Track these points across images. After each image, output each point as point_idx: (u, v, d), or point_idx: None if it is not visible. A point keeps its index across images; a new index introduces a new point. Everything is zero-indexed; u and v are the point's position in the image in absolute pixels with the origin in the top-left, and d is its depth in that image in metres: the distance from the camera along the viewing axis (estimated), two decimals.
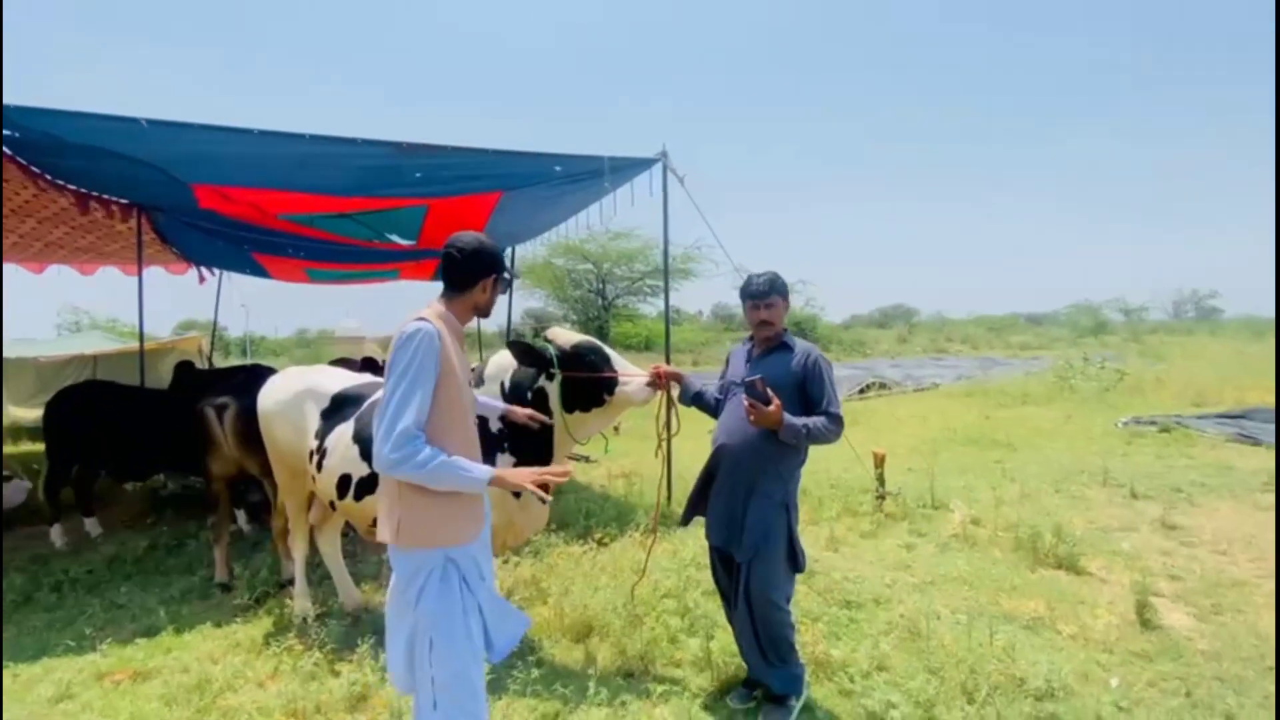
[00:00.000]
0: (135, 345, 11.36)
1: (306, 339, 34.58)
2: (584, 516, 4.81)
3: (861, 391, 13.72)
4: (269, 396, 3.17)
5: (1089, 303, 40.04)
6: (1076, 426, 8.87)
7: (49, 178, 4.67)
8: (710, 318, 42.95)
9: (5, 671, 2.99)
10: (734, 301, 40.29)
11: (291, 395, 3.08)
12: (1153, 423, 8.59)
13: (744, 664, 2.62)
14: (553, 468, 1.91)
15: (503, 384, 2.79)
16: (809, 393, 2.42)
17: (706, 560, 3.73)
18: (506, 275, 2.01)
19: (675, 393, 2.74)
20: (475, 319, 2.02)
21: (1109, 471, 5.93)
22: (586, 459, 7.23)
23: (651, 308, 27.92)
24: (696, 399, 2.75)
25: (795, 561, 2.45)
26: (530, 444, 2.74)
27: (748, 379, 2.32)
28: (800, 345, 2.54)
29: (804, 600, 3.35)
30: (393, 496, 1.80)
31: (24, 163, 4.27)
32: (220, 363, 11.62)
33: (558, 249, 24.52)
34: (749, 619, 2.44)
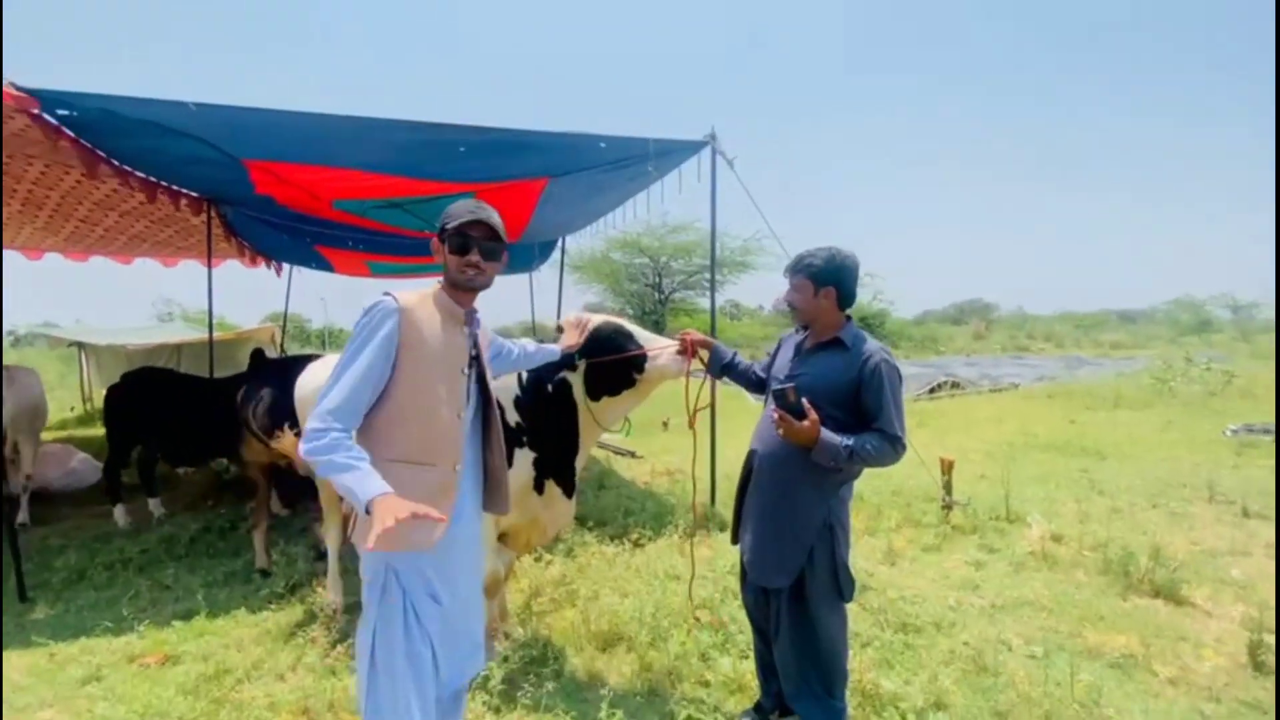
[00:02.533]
0: (217, 334, 12.07)
1: None
2: (623, 514, 4.63)
3: (931, 391, 12.94)
4: (307, 383, 3.13)
5: (1191, 298, 36.74)
6: (1177, 434, 8.00)
7: (115, 162, 4.85)
8: (771, 311, 42.03)
9: (44, 650, 3.06)
10: None
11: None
12: (1267, 430, 7.64)
13: (756, 699, 2.35)
14: (428, 509, 1.37)
15: (520, 376, 2.61)
16: (864, 403, 2.00)
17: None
18: (447, 224, 1.71)
19: (706, 357, 2.49)
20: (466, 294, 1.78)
21: (1215, 485, 5.26)
22: (632, 454, 7.05)
23: (707, 300, 27.54)
24: (727, 369, 2.48)
25: (841, 591, 2.09)
26: (553, 437, 2.56)
27: (779, 386, 1.97)
28: (862, 346, 2.05)
29: (854, 621, 3.02)
30: None
31: (88, 145, 4.43)
32: (294, 352, 12.14)
33: (615, 243, 24.48)
34: (791, 649, 2.13)
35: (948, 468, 4.69)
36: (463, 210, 1.73)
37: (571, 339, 2.44)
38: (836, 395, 2.01)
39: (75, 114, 3.89)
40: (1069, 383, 13.72)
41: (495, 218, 1.74)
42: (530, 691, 2.39)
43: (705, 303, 27.94)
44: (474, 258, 1.71)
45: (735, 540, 2.35)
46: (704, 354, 2.50)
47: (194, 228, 7.48)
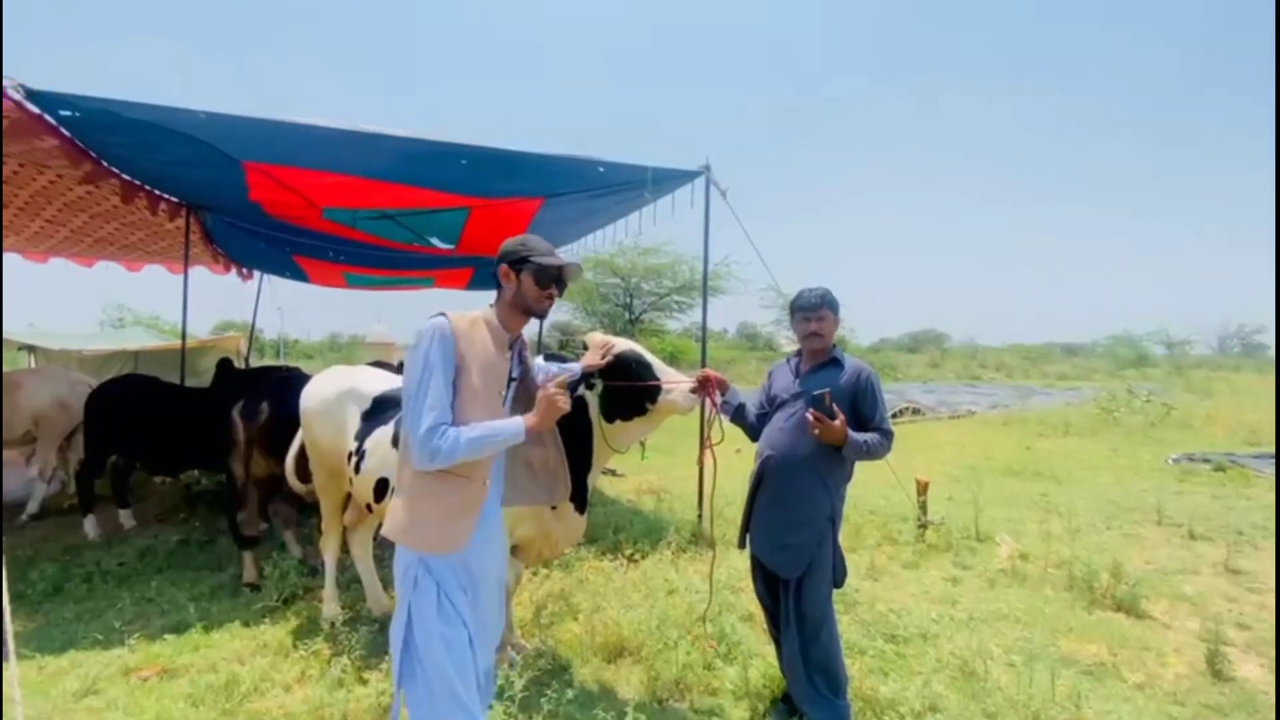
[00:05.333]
0: (176, 342, 11.65)
1: (338, 343, 35.23)
2: (613, 531, 4.71)
3: (894, 416, 13.41)
4: (312, 395, 3.14)
5: (1129, 334, 38.88)
6: (1124, 461, 8.51)
7: (104, 163, 4.77)
8: (735, 335, 42.72)
9: (31, 663, 2.98)
10: (760, 320, 40.06)
11: (334, 395, 3.05)
12: (1206, 460, 8.18)
13: (785, 688, 2.51)
14: (547, 396, 1.78)
15: None
16: (860, 408, 2.39)
17: (741, 584, 3.62)
18: (537, 260, 1.85)
19: (718, 401, 2.64)
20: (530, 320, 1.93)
21: (1163, 510, 5.63)
22: (614, 473, 7.13)
23: (677, 323, 27.83)
24: (737, 413, 2.65)
25: (836, 576, 2.40)
26: (568, 450, 2.65)
27: (816, 392, 2.25)
28: (851, 361, 2.48)
29: (847, 631, 3.18)
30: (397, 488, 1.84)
31: (80, 145, 4.36)
32: (255, 363, 11.82)
33: (588, 263, 24.64)
34: (799, 641, 2.34)
35: (923, 488, 4.92)
36: (545, 249, 1.88)
37: (593, 358, 2.55)
38: (838, 402, 2.32)
39: (77, 115, 3.86)
40: (1022, 411, 14.37)
41: (574, 262, 1.93)
42: (553, 697, 2.45)
43: (673, 324, 28.30)
44: (552, 290, 1.89)
45: (742, 544, 2.58)
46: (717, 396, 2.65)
47: (166, 232, 7.29)
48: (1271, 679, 2.94)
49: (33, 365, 11.22)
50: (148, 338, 12.82)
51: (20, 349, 11.75)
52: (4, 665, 2.36)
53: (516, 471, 1.98)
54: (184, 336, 7.61)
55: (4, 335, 13.47)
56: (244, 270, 9.45)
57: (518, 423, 1.76)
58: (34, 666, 2.96)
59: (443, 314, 1.80)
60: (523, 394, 1.96)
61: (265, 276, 10.06)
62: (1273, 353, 37.88)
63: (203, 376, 8.02)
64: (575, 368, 2.50)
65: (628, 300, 26.90)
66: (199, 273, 9.58)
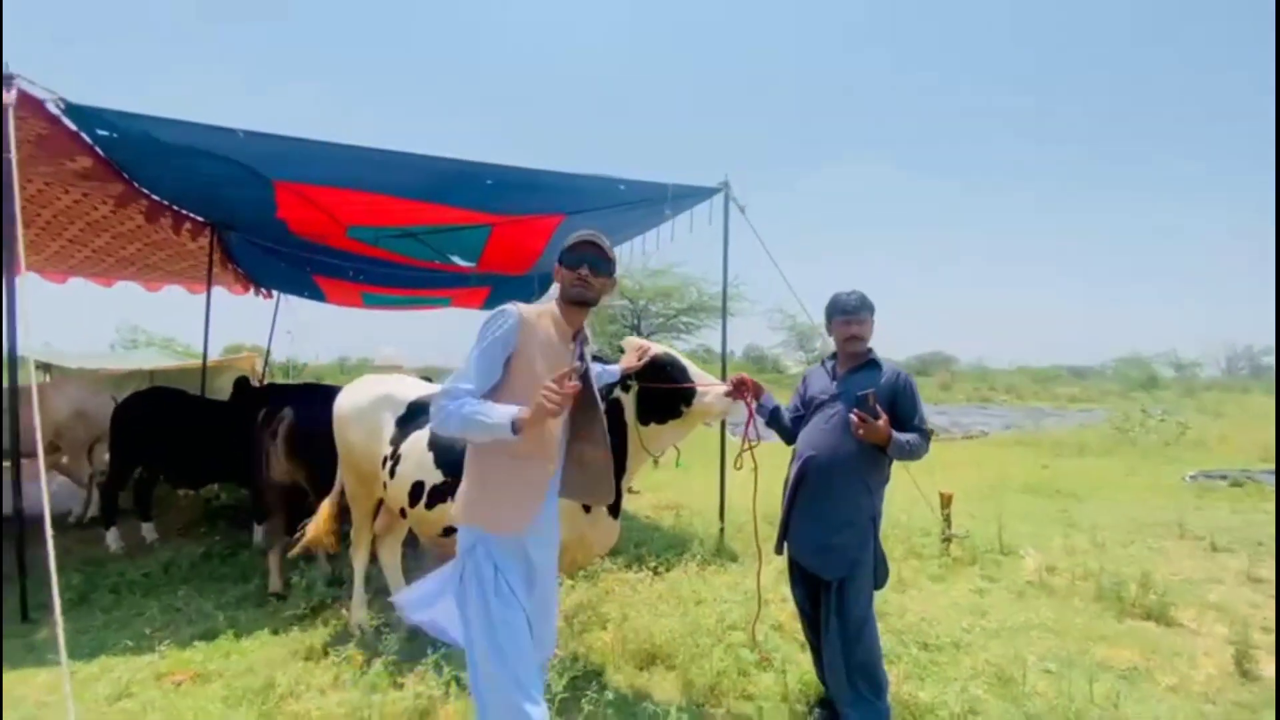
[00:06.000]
0: (190, 362, 11.74)
1: (347, 365, 35.33)
2: (634, 545, 4.70)
3: None
4: (346, 402, 3.19)
5: (1138, 356, 38.81)
6: (1142, 479, 8.45)
7: (135, 184, 4.90)
8: (743, 358, 42.70)
9: (63, 668, 2.98)
10: (767, 342, 40.07)
11: (369, 401, 3.09)
12: (1223, 477, 8.14)
13: (824, 693, 2.50)
14: (556, 382, 1.68)
15: None
16: (899, 409, 2.41)
17: (772, 593, 3.61)
18: (565, 245, 1.94)
19: (753, 405, 2.66)
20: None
21: (1184, 524, 5.60)
22: (630, 490, 7.12)
23: (685, 344, 27.95)
24: (773, 416, 2.68)
25: (878, 577, 2.43)
26: None
27: (860, 393, 2.30)
28: (888, 364, 2.51)
29: (880, 640, 3.17)
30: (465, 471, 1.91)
31: (113, 165, 4.48)
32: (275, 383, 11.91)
33: None
34: (840, 644, 2.34)
35: (947, 501, 4.91)
36: (576, 235, 1.94)
37: (630, 361, 2.59)
38: (879, 403, 2.35)
39: (115, 135, 3.98)
40: (1035, 432, 14.31)
41: (604, 240, 1.92)
42: (593, 697, 2.44)
43: (680, 345, 28.40)
44: (583, 271, 1.90)
45: (780, 549, 2.59)
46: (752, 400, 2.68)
47: (188, 252, 7.42)
48: None
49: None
50: (163, 358, 12.95)
51: (37, 367, 11.90)
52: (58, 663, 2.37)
53: (569, 469, 2.01)
54: (205, 353, 7.73)
55: (20, 354, 13.62)
56: (263, 290, 9.58)
57: (508, 415, 1.68)
58: (66, 672, 2.96)
59: (515, 303, 1.88)
60: (584, 390, 1.99)
61: (282, 298, 10.18)
62: None
63: (220, 396, 8.10)
64: (615, 369, 2.53)
65: (635, 322, 27.03)
66: (216, 294, 9.74)
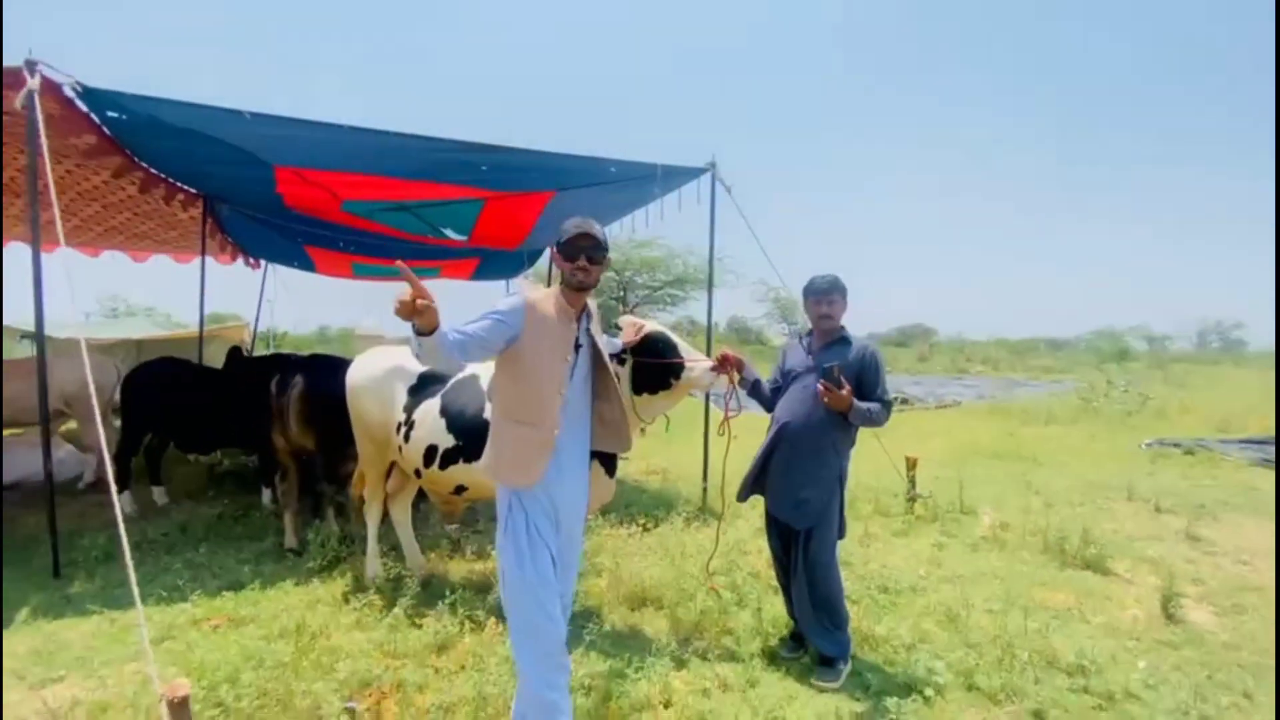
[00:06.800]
0: (179, 332, 11.79)
1: (327, 335, 35.18)
2: (624, 505, 5.04)
3: None
4: (359, 372, 3.44)
5: (1112, 329, 39.84)
6: (1101, 446, 8.95)
7: (135, 159, 5.01)
8: (727, 330, 43.02)
9: (103, 617, 3.26)
10: (751, 314, 40.46)
11: (382, 372, 3.34)
12: (1177, 445, 8.64)
13: (793, 627, 2.87)
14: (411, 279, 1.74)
15: None
16: (864, 381, 2.71)
17: (749, 546, 3.98)
18: (561, 239, 2.13)
19: (737, 378, 2.96)
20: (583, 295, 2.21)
21: (1134, 487, 6.04)
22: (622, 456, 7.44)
23: (669, 316, 28.21)
24: (754, 388, 2.96)
25: (841, 529, 2.77)
26: None
27: (827, 365, 2.60)
28: (858, 341, 2.81)
29: (844, 584, 3.54)
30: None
31: (119, 143, 4.60)
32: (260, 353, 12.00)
33: None
34: (806, 583, 2.69)
35: (912, 464, 5.30)
36: (571, 226, 2.16)
37: (627, 336, 2.87)
38: (846, 376, 2.65)
39: (123, 117, 4.11)
40: (1007, 401, 14.85)
41: (598, 229, 2.17)
42: (592, 629, 2.79)
43: (665, 317, 28.64)
44: (582, 262, 2.14)
45: (743, 497, 2.96)
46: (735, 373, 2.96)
47: (179, 222, 7.49)
48: (1222, 623, 3.34)
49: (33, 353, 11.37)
50: (150, 327, 12.97)
51: (23, 338, 11.89)
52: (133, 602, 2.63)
53: (595, 425, 2.30)
54: (201, 322, 7.84)
55: (5, 324, 13.58)
56: (251, 260, 9.65)
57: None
58: (105, 620, 3.24)
59: (525, 289, 2.13)
60: (590, 361, 2.26)
61: (271, 267, 10.25)
62: (1249, 348, 38.90)
63: (213, 363, 8.25)
64: (618, 342, 2.82)
65: (620, 294, 27.18)
66: (190, 264, 9.76)
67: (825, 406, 2.64)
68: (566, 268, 2.15)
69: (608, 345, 2.71)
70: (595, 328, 2.29)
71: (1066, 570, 4.00)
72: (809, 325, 2.97)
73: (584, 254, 2.14)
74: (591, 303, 2.28)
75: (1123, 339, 37.95)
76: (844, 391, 2.57)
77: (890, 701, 2.46)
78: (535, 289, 2.13)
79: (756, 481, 2.89)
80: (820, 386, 2.61)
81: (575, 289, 2.17)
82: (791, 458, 2.76)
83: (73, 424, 6.34)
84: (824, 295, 2.80)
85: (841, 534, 2.80)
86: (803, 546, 2.73)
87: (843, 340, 2.81)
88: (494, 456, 2.13)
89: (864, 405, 2.63)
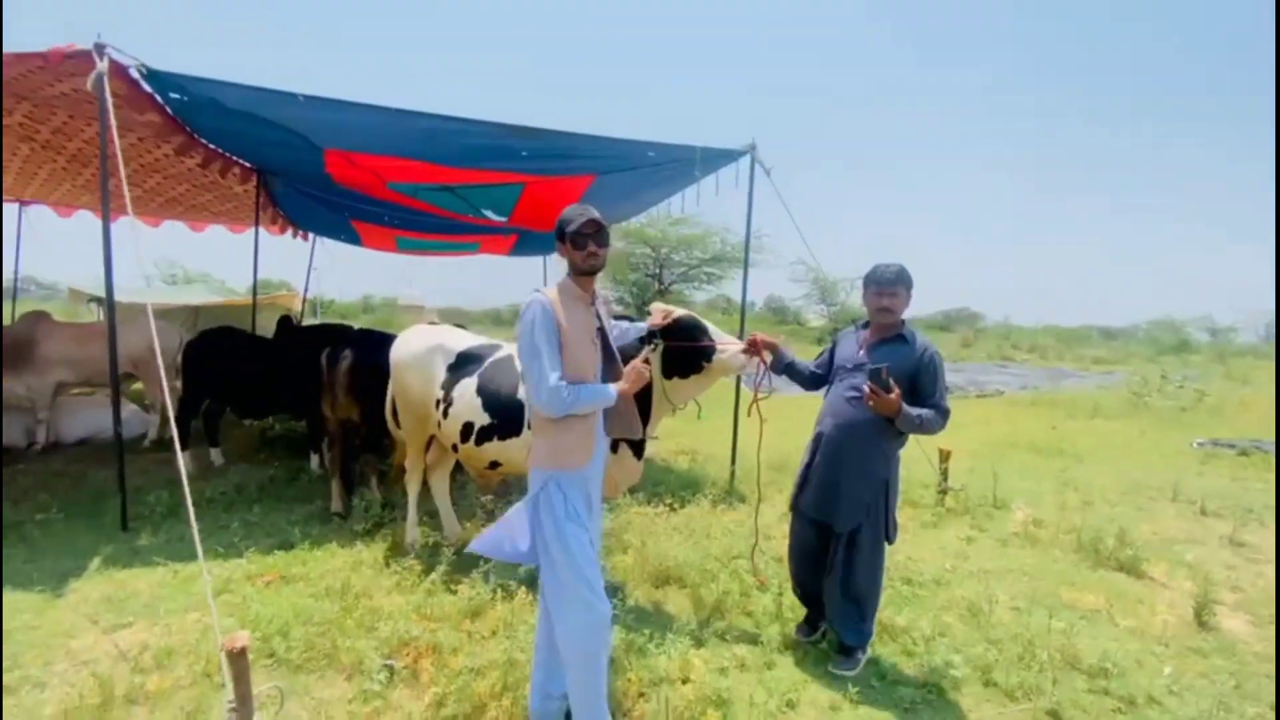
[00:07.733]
0: (233, 299, 12.28)
1: (371, 304, 36.19)
2: (651, 484, 5.14)
3: None
4: (403, 349, 3.59)
5: (1172, 319, 37.97)
6: (1149, 443, 8.66)
7: (196, 136, 5.24)
8: (764, 309, 42.56)
9: (166, 569, 3.53)
10: (789, 294, 39.88)
11: (424, 350, 3.49)
12: (1231, 445, 8.30)
13: (807, 613, 2.94)
14: (634, 367, 2.26)
15: None
16: (920, 385, 2.57)
17: (771, 532, 4.02)
18: (569, 229, 2.18)
19: (769, 360, 2.92)
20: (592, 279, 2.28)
21: (1179, 488, 5.86)
22: (653, 437, 7.55)
23: (704, 294, 28.01)
24: (789, 369, 2.93)
25: (889, 533, 2.70)
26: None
27: (873, 366, 2.49)
28: (918, 339, 2.66)
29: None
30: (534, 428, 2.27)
31: (180, 123, 4.82)
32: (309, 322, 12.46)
33: (618, 232, 24.85)
34: (842, 578, 2.68)
35: (946, 457, 5.25)
36: (575, 215, 2.21)
37: (657, 320, 2.92)
38: (899, 377, 2.54)
39: (185, 99, 4.30)
40: (1052, 393, 14.42)
41: (595, 213, 2.22)
42: (617, 605, 2.90)
43: (700, 296, 28.45)
44: (591, 248, 2.21)
45: (795, 504, 2.91)
46: (767, 355, 2.94)
47: (234, 195, 7.82)
48: (1257, 633, 3.27)
49: (101, 317, 12.05)
50: (207, 294, 13.57)
51: (90, 301, 12.60)
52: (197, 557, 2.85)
53: (607, 411, 2.39)
54: (254, 291, 8.18)
55: (71, 288, 14.31)
56: (300, 232, 9.98)
57: (613, 389, 2.18)
58: (169, 572, 3.51)
59: (538, 291, 2.19)
60: (604, 345, 2.33)
61: (318, 239, 10.58)
62: None
63: (265, 330, 8.62)
64: (643, 326, 2.87)
65: (657, 271, 27.07)
66: (244, 234, 10.16)
67: (871, 409, 2.55)
68: (578, 256, 2.21)
69: (629, 331, 2.79)
70: (604, 313, 2.37)
71: (1099, 571, 3.94)
72: (859, 306, 2.91)
73: (592, 240, 2.21)
74: (598, 289, 2.36)
75: (1183, 330, 36.14)
76: (892, 395, 2.44)
77: (905, 691, 2.52)
78: (543, 290, 2.19)
79: (804, 485, 2.85)
80: (866, 388, 2.50)
81: (587, 274, 2.25)
82: (833, 459, 2.69)
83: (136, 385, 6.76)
84: (887, 287, 2.65)
85: (890, 537, 2.72)
86: (844, 548, 2.68)
87: (899, 338, 2.67)
88: (550, 444, 2.17)
89: (915, 411, 2.48)
